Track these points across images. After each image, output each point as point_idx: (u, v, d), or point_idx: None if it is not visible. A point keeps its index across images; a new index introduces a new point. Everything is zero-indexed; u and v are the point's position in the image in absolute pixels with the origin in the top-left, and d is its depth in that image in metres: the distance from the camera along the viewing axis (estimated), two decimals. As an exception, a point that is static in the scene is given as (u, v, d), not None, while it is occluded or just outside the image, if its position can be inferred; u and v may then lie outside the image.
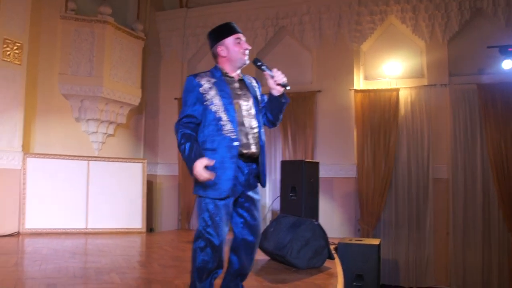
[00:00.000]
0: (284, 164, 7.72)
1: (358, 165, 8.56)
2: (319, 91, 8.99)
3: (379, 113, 8.50)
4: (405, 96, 8.49)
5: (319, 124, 8.97)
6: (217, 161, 3.06)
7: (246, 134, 3.21)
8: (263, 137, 3.33)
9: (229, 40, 3.27)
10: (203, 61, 10.23)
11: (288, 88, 3.29)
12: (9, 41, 7.32)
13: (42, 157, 7.79)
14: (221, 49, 3.29)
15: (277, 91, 3.31)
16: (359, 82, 8.91)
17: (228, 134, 3.12)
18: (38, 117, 8.06)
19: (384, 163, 8.37)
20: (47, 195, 7.73)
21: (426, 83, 8.44)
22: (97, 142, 8.81)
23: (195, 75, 3.26)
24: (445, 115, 8.27)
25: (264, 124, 3.48)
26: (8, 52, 7.30)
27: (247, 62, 3.36)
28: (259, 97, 3.43)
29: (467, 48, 8.46)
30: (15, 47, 7.39)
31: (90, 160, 8.25)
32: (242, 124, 3.21)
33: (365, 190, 8.42)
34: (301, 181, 7.11)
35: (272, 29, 9.52)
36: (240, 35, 3.31)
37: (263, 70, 3.33)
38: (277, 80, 3.28)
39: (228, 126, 3.13)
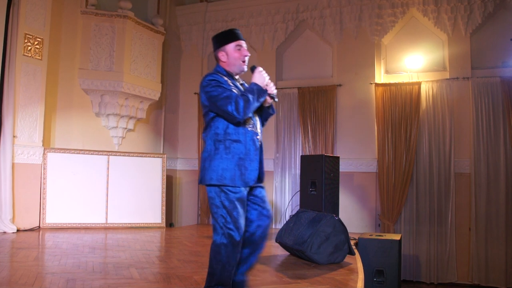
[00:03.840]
0: (304, 158, 7.66)
1: (379, 160, 8.47)
2: (340, 85, 8.92)
3: (400, 107, 8.40)
4: (426, 89, 8.38)
5: (340, 119, 8.89)
6: (243, 152, 3.18)
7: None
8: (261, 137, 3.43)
9: (230, 47, 3.34)
10: (223, 55, 10.19)
11: (276, 100, 3.40)
12: (30, 36, 7.37)
13: (62, 152, 7.84)
14: (221, 54, 3.36)
15: (267, 102, 3.42)
16: (380, 76, 8.82)
17: (251, 129, 3.25)
18: (58, 112, 8.13)
19: (405, 157, 8.27)
20: (67, 190, 7.79)
21: (448, 77, 8.32)
22: (117, 137, 8.84)
23: (214, 73, 3.28)
24: (468, 108, 8.13)
25: None
26: (29, 47, 7.35)
27: (245, 69, 3.43)
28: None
29: (490, 41, 8.32)
30: (35, 42, 7.45)
31: (110, 155, 8.28)
32: (255, 122, 3.35)
33: (385, 185, 8.33)
34: (321, 176, 7.05)
35: (292, 22, 9.46)
36: (242, 42, 3.38)
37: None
38: (269, 91, 3.35)
39: (249, 121, 3.26)
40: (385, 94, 8.54)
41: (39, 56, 7.50)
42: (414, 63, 8.54)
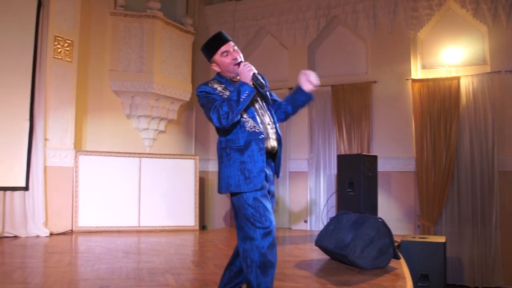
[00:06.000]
0: (340, 158, 7.45)
1: (417, 158, 8.18)
2: (375, 81, 8.66)
3: (438, 103, 8.09)
4: (466, 84, 8.03)
5: (375, 116, 8.62)
6: (246, 155, 3.08)
7: (266, 129, 3.21)
8: (279, 131, 3.34)
9: (217, 56, 3.26)
10: (254, 54, 10.04)
11: (266, 90, 3.32)
12: (60, 39, 7.33)
13: (94, 155, 7.76)
14: (214, 66, 3.33)
15: (308, 87, 3.38)
16: (417, 71, 8.52)
17: (252, 130, 3.13)
18: (89, 114, 8.08)
19: (445, 155, 7.95)
20: (99, 192, 7.71)
21: (489, 70, 7.95)
22: (149, 139, 8.75)
23: (206, 83, 3.25)
24: (511, 103, 7.76)
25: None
26: (59, 50, 7.31)
27: None
28: (267, 93, 3.40)
29: (534, 31, 7.94)
30: (65, 45, 7.39)
31: (141, 157, 8.18)
32: (261, 120, 3.22)
33: (425, 185, 8.03)
34: (359, 176, 6.86)
35: (324, 19, 9.23)
36: (227, 46, 3.25)
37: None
38: (312, 81, 3.36)
39: (250, 123, 3.15)
40: (423, 90, 8.25)
41: (69, 58, 7.45)
42: (452, 57, 8.23)
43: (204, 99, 3.15)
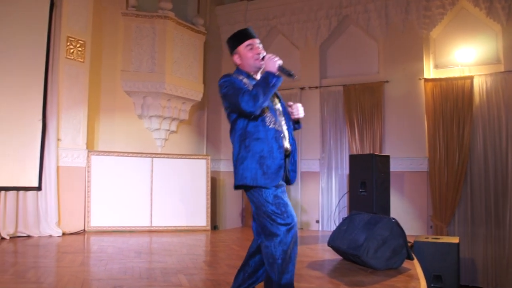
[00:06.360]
0: (353, 158, 7.42)
1: (430, 158, 8.12)
2: (387, 81, 8.61)
3: (451, 103, 8.03)
4: (480, 84, 7.96)
5: (388, 116, 8.58)
6: (265, 150, 3.07)
7: (282, 130, 3.23)
8: (293, 135, 3.34)
9: (241, 48, 3.30)
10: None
11: (294, 77, 3.20)
12: (72, 39, 7.37)
13: (106, 155, 7.79)
14: (236, 58, 3.34)
15: (294, 117, 3.37)
16: (429, 71, 8.46)
17: (272, 126, 3.14)
18: (101, 114, 8.11)
19: (458, 155, 7.89)
20: (111, 192, 7.74)
21: (502, 70, 7.87)
22: (160, 139, 8.76)
23: (228, 74, 3.25)
24: (525, 103, 7.69)
25: None
26: (72, 50, 7.34)
27: (263, 66, 3.27)
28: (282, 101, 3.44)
29: (549, 30, 7.85)
30: (78, 45, 7.43)
31: (153, 157, 8.19)
32: (279, 120, 3.24)
33: (437, 185, 7.97)
34: (371, 176, 6.82)
35: (335, 18, 9.19)
36: (253, 41, 3.29)
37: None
38: (295, 113, 3.35)
39: (271, 119, 3.16)
40: (435, 89, 8.19)
41: (81, 59, 7.48)
42: (465, 57, 8.15)
43: (229, 87, 3.11)
